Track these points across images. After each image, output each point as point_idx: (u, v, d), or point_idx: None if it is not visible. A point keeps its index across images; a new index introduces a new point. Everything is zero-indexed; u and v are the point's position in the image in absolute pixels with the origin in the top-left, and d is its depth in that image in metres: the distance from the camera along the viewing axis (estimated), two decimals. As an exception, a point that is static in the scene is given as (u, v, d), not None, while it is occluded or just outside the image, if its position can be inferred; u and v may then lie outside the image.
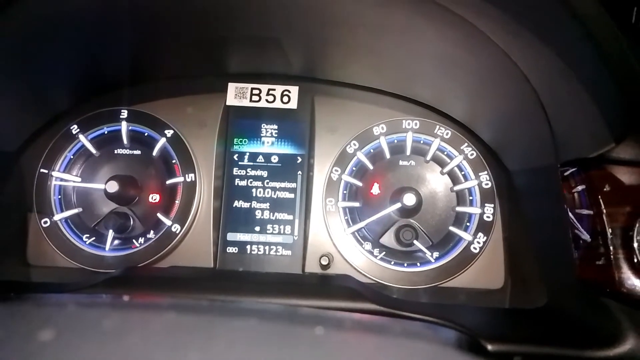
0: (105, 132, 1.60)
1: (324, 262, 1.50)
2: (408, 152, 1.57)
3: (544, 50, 0.95)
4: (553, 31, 0.92)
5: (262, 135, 1.61)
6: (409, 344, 0.72)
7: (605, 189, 1.02)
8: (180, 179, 1.55)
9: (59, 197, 1.58)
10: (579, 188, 1.13)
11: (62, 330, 0.45)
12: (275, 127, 1.61)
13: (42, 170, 1.56)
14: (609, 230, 1.01)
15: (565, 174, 1.13)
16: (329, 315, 0.64)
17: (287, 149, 1.60)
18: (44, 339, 0.43)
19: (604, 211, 1.02)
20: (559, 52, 0.94)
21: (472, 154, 1.54)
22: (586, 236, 1.11)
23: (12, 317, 0.48)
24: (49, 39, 1.25)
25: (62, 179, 1.57)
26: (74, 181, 1.58)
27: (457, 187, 1.53)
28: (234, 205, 1.57)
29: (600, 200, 1.03)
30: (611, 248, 1.00)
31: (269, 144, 1.60)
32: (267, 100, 1.60)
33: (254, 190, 1.58)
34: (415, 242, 1.49)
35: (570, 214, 1.12)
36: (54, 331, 0.44)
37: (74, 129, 1.58)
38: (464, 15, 0.98)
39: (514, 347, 0.93)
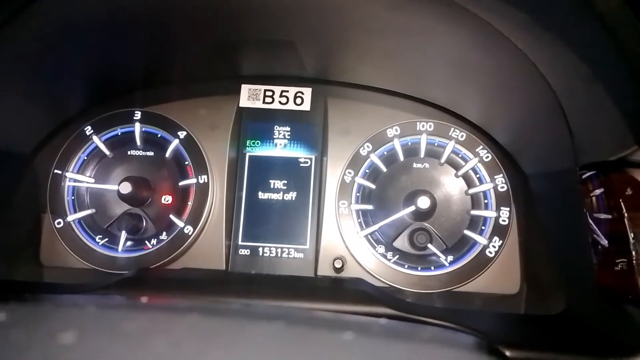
0: (119, 134, 1.61)
1: (338, 265, 1.49)
2: (422, 155, 1.55)
3: (565, 51, 0.93)
4: (575, 32, 0.91)
5: (274, 137, 1.60)
6: (426, 349, 0.71)
7: (627, 193, 1.00)
8: (192, 181, 1.55)
9: (73, 198, 1.58)
10: (597, 192, 1.11)
11: (84, 333, 0.44)
12: (288, 128, 1.60)
13: (56, 171, 1.57)
14: (631, 235, 0.99)
15: (583, 177, 1.11)
16: (347, 320, 0.63)
17: (299, 151, 1.59)
18: (66, 342, 0.42)
19: (626, 215, 1.00)
20: (581, 53, 0.92)
21: (487, 157, 1.52)
22: (604, 241, 1.08)
23: (33, 320, 0.48)
24: (64, 42, 1.26)
25: (75, 180, 1.58)
26: (87, 182, 1.58)
27: (472, 190, 1.51)
28: (246, 207, 1.56)
29: (622, 204, 1.00)
30: (633, 253, 0.97)
31: (282, 145, 1.60)
32: (280, 102, 1.60)
33: (266, 192, 1.57)
34: (429, 245, 1.47)
35: (588, 218, 1.10)
36: (75, 333, 0.43)
37: (88, 130, 1.59)
38: (484, 17, 0.97)
39: (533, 354, 0.91)
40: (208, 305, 0.50)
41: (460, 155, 1.54)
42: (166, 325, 0.49)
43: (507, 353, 0.89)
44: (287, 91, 1.60)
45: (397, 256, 1.50)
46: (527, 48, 1.01)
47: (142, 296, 1.13)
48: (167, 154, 1.57)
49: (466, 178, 1.53)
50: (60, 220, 1.55)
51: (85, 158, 1.60)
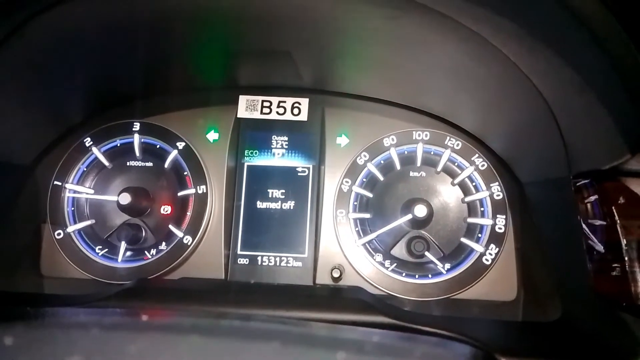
0: (118, 145, 1.62)
1: (336, 274, 1.50)
2: (418, 163, 1.56)
3: (557, 63, 0.95)
4: (567, 44, 0.92)
5: (272, 147, 1.61)
6: None
7: (619, 201, 1.01)
8: (191, 191, 1.56)
9: (72, 208, 1.59)
10: (592, 198, 1.12)
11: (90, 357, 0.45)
12: (286, 138, 1.62)
13: (55, 182, 1.58)
14: (624, 242, 1.00)
15: (578, 184, 1.12)
16: (346, 334, 0.64)
17: (297, 161, 1.60)
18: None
19: (619, 223, 1.01)
20: (573, 64, 0.93)
21: (483, 165, 1.53)
22: (600, 247, 1.09)
23: (39, 343, 0.49)
24: (64, 55, 1.27)
25: (75, 191, 1.59)
26: (87, 193, 1.59)
27: (468, 198, 1.53)
28: (245, 216, 1.57)
29: (615, 212, 1.02)
30: (627, 260, 0.99)
31: (280, 155, 1.61)
32: (277, 113, 1.61)
33: (265, 201, 1.58)
34: (426, 253, 1.48)
35: (583, 224, 1.11)
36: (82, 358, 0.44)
37: (88, 141, 1.60)
38: (475, 29, 0.98)
39: (529, 361, 0.92)
40: (209, 322, 0.51)
41: (456, 164, 1.56)
42: (170, 345, 0.50)
43: (503, 361, 0.90)
44: (285, 101, 1.61)
45: (395, 264, 1.51)
46: (518, 59, 1.03)
47: (142, 307, 1.14)
48: (166, 165, 1.59)
49: (462, 186, 1.55)
50: (60, 231, 1.56)
51: (85, 169, 1.61)
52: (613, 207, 1.02)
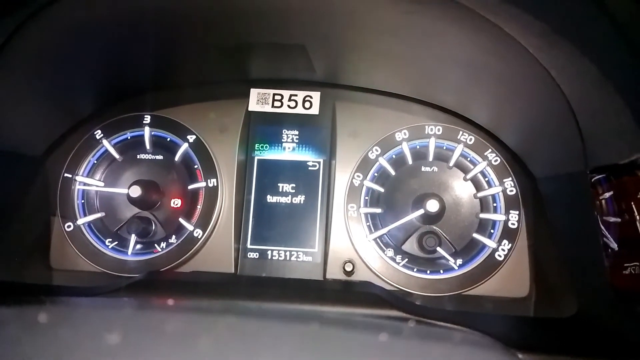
0: (129, 137, 1.61)
1: (348, 268, 1.49)
2: (431, 158, 1.55)
3: (578, 57, 0.94)
4: (587, 37, 0.91)
5: (283, 140, 1.61)
6: (440, 349, 0.71)
7: (639, 196, 1.00)
8: (202, 184, 1.56)
9: (82, 201, 1.59)
10: (607, 195, 1.11)
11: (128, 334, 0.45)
12: (297, 132, 1.61)
13: (66, 174, 1.58)
14: (643, 238, 0.99)
15: (593, 180, 1.11)
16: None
17: (308, 155, 1.59)
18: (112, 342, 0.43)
19: (638, 219, 1.00)
20: (593, 58, 0.92)
21: (496, 160, 1.52)
22: (614, 244, 1.09)
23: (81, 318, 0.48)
24: (75, 46, 1.27)
25: (85, 184, 1.59)
26: (97, 186, 1.59)
27: (480, 194, 1.51)
28: (255, 210, 1.57)
29: (634, 207, 1.01)
30: (646, 256, 0.98)
31: (290, 149, 1.60)
32: (288, 106, 1.60)
33: (275, 195, 1.57)
34: (438, 249, 1.47)
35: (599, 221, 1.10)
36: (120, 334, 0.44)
37: (98, 134, 1.60)
38: (496, 21, 0.97)
39: (546, 357, 0.91)
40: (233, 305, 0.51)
41: (468, 159, 1.55)
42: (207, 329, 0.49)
43: (520, 356, 0.89)
44: (296, 95, 1.60)
45: (406, 259, 1.50)
46: (539, 53, 1.01)
47: (153, 299, 1.14)
48: (177, 158, 1.58)
49: (475, 181, 1.53)
50: (70, 223, 1.56)
51: (95, 162, 1.61)
52: (632, 202, 1.01)
